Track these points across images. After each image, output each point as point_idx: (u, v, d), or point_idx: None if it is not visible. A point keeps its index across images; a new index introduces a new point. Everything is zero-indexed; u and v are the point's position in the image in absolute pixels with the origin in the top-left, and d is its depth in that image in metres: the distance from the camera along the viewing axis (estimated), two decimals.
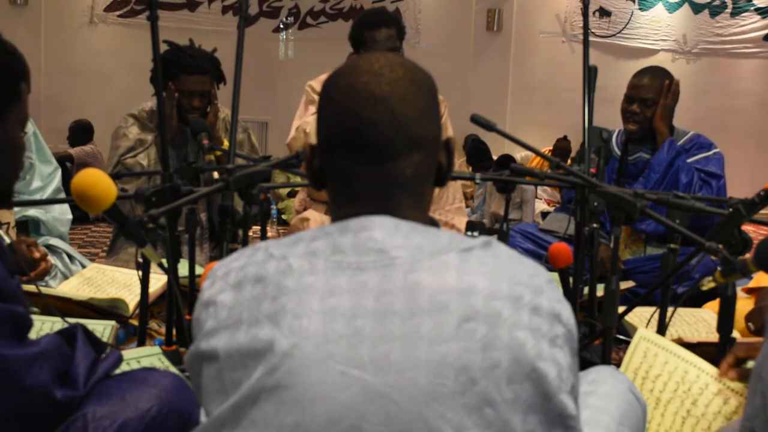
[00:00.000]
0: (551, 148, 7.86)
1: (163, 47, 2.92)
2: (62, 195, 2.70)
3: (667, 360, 1.61)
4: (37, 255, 2.25)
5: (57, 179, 2.70)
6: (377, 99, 0.89)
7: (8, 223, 2.45)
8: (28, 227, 2.60)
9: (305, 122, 2.97)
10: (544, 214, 4.51)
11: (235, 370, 0.83)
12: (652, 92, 2.94)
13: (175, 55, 2.90)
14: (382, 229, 0.86)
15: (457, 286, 0.81)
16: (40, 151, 2.64)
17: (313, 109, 3.00)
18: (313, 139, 0.99)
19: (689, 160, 2.94)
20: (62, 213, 2.69)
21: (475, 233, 1.91)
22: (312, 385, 0.79)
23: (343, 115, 0.90)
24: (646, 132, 2.99)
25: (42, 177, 2.64)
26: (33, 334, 1.20)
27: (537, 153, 2.10)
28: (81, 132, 6.80)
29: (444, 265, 0.83)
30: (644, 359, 1.65)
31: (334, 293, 0.82)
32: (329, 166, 0.94)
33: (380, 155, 0.90)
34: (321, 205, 3.09)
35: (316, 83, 3.06)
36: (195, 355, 0.89)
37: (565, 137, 7.93)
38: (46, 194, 2.63)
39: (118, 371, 1.34)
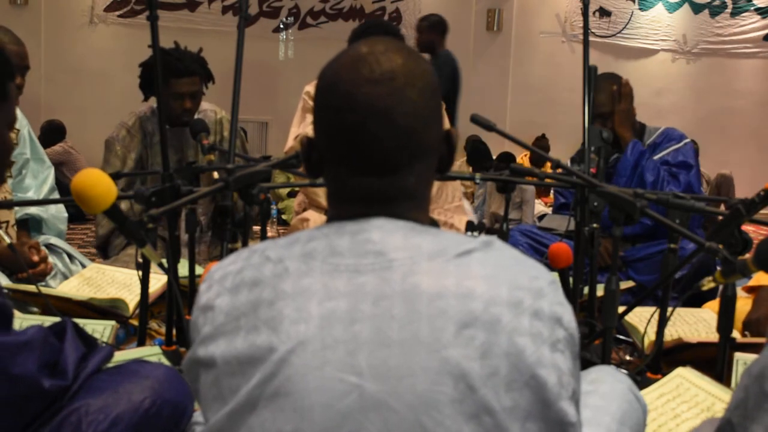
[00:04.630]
0: None
1: (148, 52, 2.95)
2: (56, 194, 2.74)
3: (697, 394, 1.63)
4: (36, 258, 2.27)
5: (51, 178, 2.73)
6: (379, 113, 0.85)
7: (8, 222, 2.46)
8: (28, 225, 2.61)
9: (305, 133, 2.96)
10: (540, 218, 4.51)
11: (233, 376, 0.82)
12: (606, 106, 2.91)
13: (162, 59, 2.90)
14: (379, 231, 0.85)
15: (455, 291, 0.79)
16: (34, 149, 2.65)
17: (311, 117, 2.99)
18: None
19: (660, 155, 2.95)
20: (59, 211, 2.73)
21: (475, 233, 1.91)
22: (310, 392, 0.78)
23: (343, 127, 0.87)
24: (615, 139, 2.98)
25: (35, 175, 2.66)
26: None
27: (538, 153, 2.10)
28: (52, 132, 6.56)
29: (443, 268, 0.81)
30: (675, 389, 1.67)
31: (332, 297, 0.81)
32: (327, 169, 0.92)
33: (382, 169, 0.87)
34: (320, 208, 3.09)
35: (314, 89, 3.03)
36: (192, 362, 0.88)
37: (543, 135, 7.95)
38: (42, 193, 2.66)
39: (110, 365, 1.32)
